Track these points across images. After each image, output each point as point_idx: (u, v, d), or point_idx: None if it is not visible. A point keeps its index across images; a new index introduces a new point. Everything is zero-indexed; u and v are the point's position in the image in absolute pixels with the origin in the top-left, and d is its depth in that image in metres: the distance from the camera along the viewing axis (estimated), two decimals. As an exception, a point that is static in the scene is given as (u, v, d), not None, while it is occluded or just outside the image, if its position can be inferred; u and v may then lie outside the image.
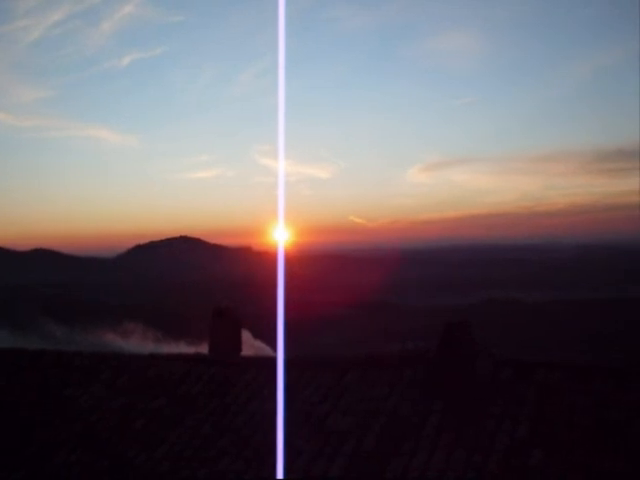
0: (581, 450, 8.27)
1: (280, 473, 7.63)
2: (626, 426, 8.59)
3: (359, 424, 9.44)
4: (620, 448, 8.24)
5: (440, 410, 9.43)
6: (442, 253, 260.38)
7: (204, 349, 12.79)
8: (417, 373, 10.29)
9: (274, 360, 11.52)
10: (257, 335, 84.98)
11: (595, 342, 76.66)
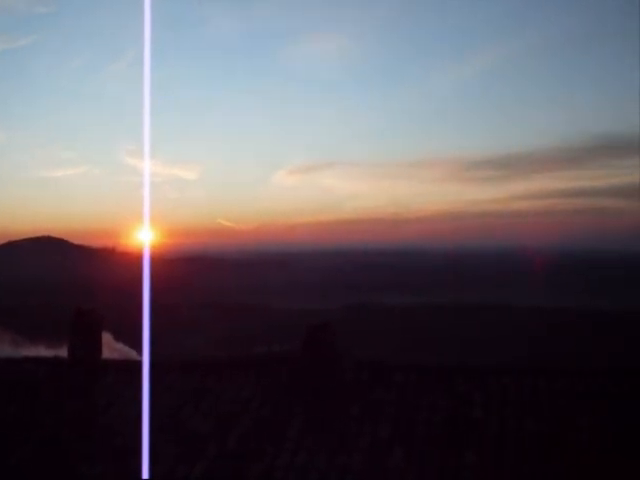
0: (440, 448, 8.57)
1: (145, 476, 7.53)
2: (484, 423, 8.97)
3: (221, 426, 9.46)
4: (478, 444, 8.60)
5: (303, 412, 9.55)
6: (310, 257, 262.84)
7: (64, 352, 12.44)
8: (281, 375, 10.41)
9: (136, 363, 11.34)
10: (119, 338, 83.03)
11: (455, 345, 79.50)
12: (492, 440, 8.67)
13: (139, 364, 10.63)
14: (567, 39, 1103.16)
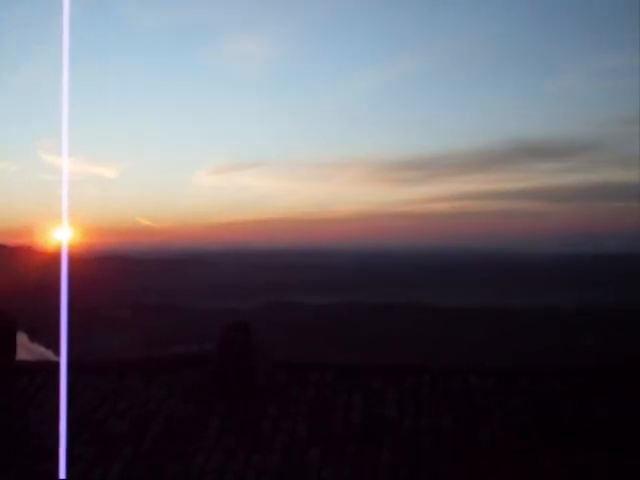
0: (354, 445, 8.70)
1: (62, 476, 7.48)
2: (397, 423, 9.14)
3: (137, 427, 9.40)
4: (394, 443, 8.77)
5: (220, 411, 9.57)
6: (230, 257, 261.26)
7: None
8: (198, 375, 10.39)
9: (52, 364, 11.18)
10: (34, 338, 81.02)
11: (371, 344, 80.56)
12: (407, 438, 8.84)
13: (56, 365, 10.51)
14: (486, 44, 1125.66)
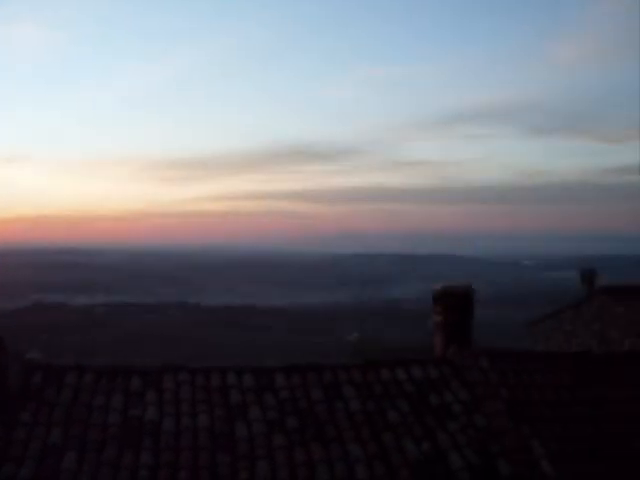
0: (113, 448, 8.67)
1: None
2: (156, 423, 9.19)
3: None
4: (152, 444, 8.80)
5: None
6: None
7: None
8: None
9: None
10: None
11: (133, 345, 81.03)
12: (167, 439, 8.90)
13: None
14: (266, 48, 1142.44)
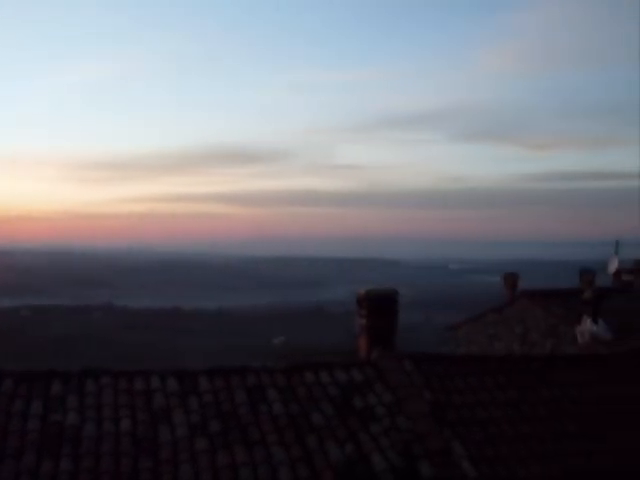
0: (32, 455, 8.48)
1: None
2: (77, 429, 9.02)
3: None
4: (72, 450, 8.64)
5: None
6: None
7: None
8: None
9: None
10: None
11: (57, 348, 79.64)
12: (88, 444, 8.74)
13: None
14: (200, 51, 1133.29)
